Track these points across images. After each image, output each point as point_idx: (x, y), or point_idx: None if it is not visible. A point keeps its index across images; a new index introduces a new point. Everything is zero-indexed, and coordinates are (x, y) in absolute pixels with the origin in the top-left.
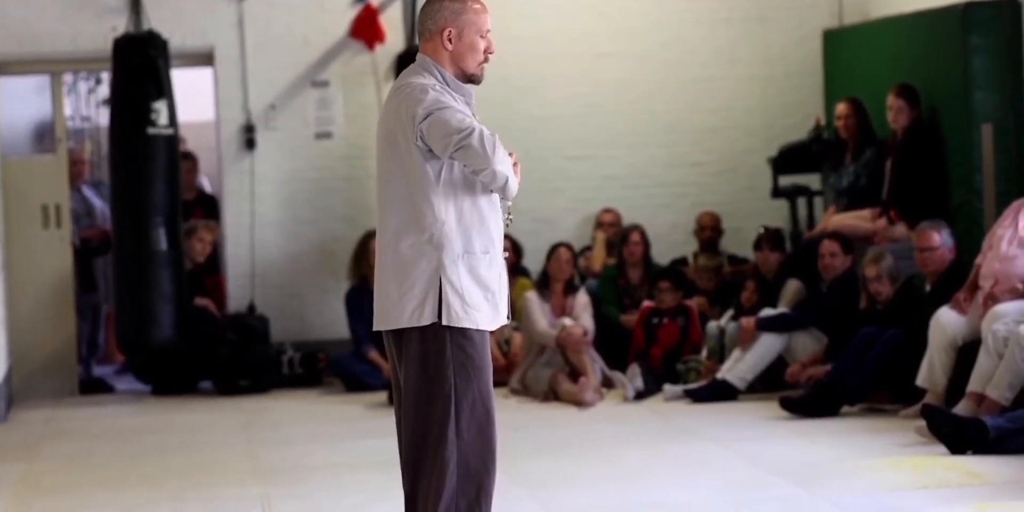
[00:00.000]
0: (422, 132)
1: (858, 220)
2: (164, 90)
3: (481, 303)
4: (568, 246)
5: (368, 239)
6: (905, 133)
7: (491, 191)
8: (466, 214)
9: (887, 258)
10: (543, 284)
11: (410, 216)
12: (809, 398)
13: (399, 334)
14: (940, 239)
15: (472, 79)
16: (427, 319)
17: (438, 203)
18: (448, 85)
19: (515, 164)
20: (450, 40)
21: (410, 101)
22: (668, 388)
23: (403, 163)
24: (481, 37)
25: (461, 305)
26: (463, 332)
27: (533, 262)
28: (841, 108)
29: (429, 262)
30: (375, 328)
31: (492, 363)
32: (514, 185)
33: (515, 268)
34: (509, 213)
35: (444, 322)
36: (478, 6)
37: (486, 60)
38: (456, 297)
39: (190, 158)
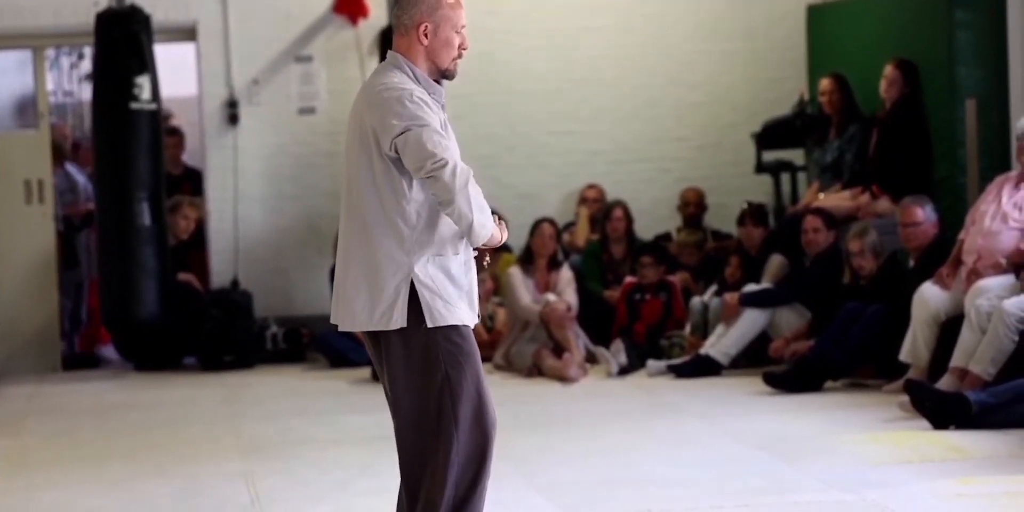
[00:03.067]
0: (396, 146)
1: (841, 201)
2: (147, 65)
3: (459, 300)
4: (551, 221)
5: None
6: (893, 107)
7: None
8: (438, 217)
9: (871, 233)
10: (527, 260)
11: (381, 215)
12: (792, 373)
13: (375, 334)
14: (923, 214)
15: (446, 75)
16: (397, 323)
17: (409, 208)
18: (420, 83)
19: (499, 220)
20: (426, 35)
21: (386, 110)
22: (652, 364)
23: (373, 164)
24: (456, 32)
25: (443, 305)
26: (453, 328)
27: (516, 238)
28: (825, 84)
29: (400, 267)
30: (341, 329)
31: (476, 339)
32: (481, 232)
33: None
34: (487, 258)
35: (429, 324)
36: (452, 1)
37: (460, 56)
38: (436, 297)
39: (176, 134)
